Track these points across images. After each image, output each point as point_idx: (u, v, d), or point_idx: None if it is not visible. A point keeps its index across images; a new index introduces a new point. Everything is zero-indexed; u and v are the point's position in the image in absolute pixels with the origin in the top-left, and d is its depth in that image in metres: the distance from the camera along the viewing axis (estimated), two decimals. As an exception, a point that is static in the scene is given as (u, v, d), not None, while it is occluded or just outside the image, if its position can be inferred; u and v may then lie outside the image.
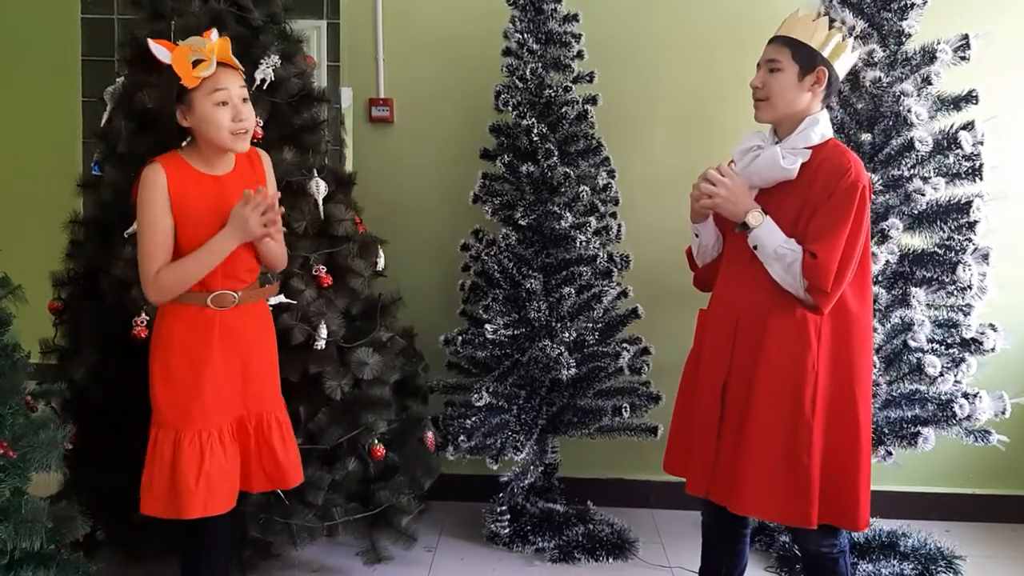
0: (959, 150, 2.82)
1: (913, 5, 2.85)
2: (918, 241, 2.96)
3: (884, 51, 2.88)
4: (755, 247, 2.13)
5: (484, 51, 3.25)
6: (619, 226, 3.20)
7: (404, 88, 3.50)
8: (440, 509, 3.38)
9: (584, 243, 3.05)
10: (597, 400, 3.18)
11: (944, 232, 2.88)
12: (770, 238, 2.11)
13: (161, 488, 2.14)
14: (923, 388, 2.90)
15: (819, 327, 2.09)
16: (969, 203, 2.83)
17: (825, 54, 2.12)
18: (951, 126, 2.85)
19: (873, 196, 2.88)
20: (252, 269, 2.29)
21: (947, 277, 2.84)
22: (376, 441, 2.74)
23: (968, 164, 2.84)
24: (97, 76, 3.28)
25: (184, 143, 2.21)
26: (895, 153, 2.86)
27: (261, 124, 2.61)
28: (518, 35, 3.06)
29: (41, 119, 3.59)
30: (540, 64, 3.07)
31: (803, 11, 2.17)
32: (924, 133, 2.80)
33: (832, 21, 2.15)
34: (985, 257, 2.85)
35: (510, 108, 3.07)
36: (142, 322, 2.48)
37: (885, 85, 2.88)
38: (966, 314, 2.92)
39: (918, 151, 2.79)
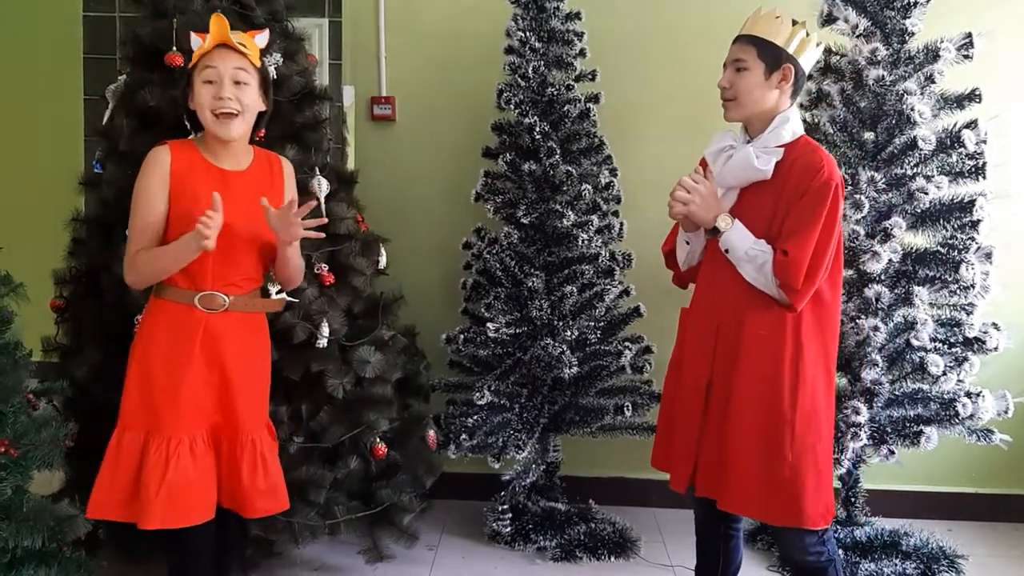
0: (962, 149, 2.82)
1: (916, 3, 2.84)
2: (921, 240, 2.96)
3: (887, 49, 2.88)
4: (726, 250, 2.14)
5: (486, 49, 3.25)
6: (621, 224, 3.20)
7: (406, 86, 3.50)
8: (442, 508, 3.38)
9: (586, 241, 3.05)
10: (599, 399, 3.18)
11: (947, 231, 2.88)
12: (740, 241, 2.12)
13: (121, 491, 2.03)
14: (926, 387, 2.90)
15: (796, 323, 2.09)
16: (972, 202, 2.82)
17: (790, 50, 2.12)
18: (954, 124, 2.85)
19: (876, 195, 2.88)
20: (251, 278, 2.20)
21: (950, 276, 2.84)
22: (378, 439, 2.75)
23: (971, 163, 2.84)
24: (99, 74, 3.28)
25: (200, 133, 2.19)
26: (898, 152, 2.85)
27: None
28: (520, 33, 3.06)
29: (43, 117, 3.58)
30: (542, 62, 3.07)
31: (765, 9, 2.18)
32: (927, 131, 2.80)
33: (795, 21, 2.15)
34: (988, 256, 2.84)
35: (512, 106, 3.07)
36: (143, 320, 2.48)
37: (888, 83, 2.87)
38: (969, 313, 2.92)
39: (921, 149, 2.79)
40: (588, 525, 3.23)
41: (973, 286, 2.84)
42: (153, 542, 2.62)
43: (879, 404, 2.89)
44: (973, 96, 2.88)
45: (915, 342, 2.82)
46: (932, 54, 2.85)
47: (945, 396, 2.86)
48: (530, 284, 3.02)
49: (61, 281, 2.79)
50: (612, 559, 3.11)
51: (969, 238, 2.84)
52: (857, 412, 2.81)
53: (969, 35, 2.83)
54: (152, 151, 2.10)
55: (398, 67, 3.50)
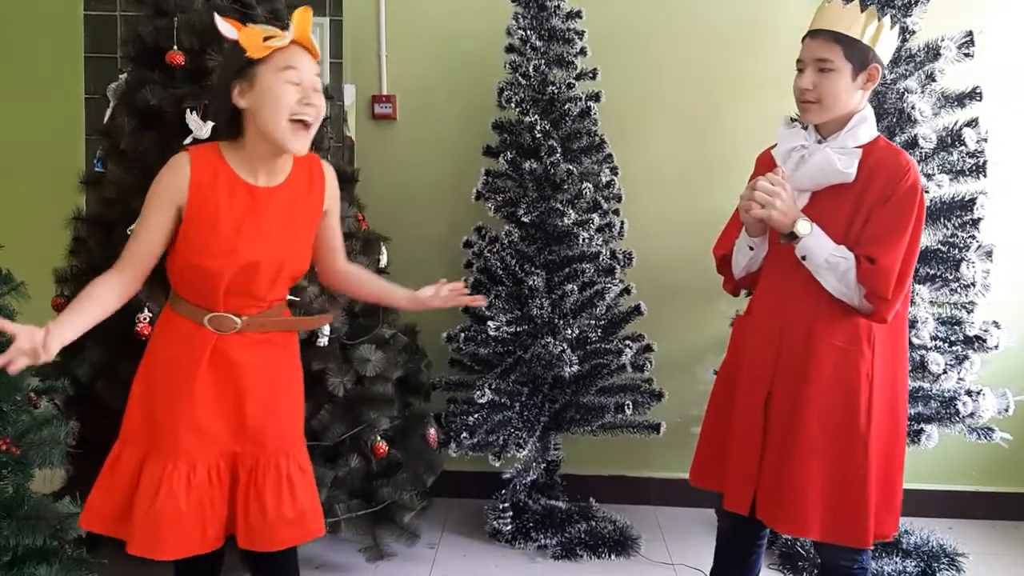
0: (963, 147, 2.82)
1: (917, 1, 2.84)
2: (922, 238, 2.95)
3: (888, 48, 2.87)
4: (803, 257, 1.98)
5: (487, 48, 3.24)
6: (622, 223, 3.19)
7: (407, 85, 3.50)
8: (442, 506, 3.38)
9: (587, 240, 3.05)
10: (599, 397, 3.18)
11: (947, 229, 2.88)
12: (820, 247, 1.96)
13: (114, 506, 1.87)
14: (926, 385, 2.90)
15: (870, 333, 1.98)
16: (973, 200, 2.82)
17: (877, 49, 1.96)
18: (955, 123, 2.85)
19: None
20: (273, 299, 1.94)
21: (951, 274, 2.84)
22: (379, 438, 2.75)
23: (972, 161, 2.84)
24: (100, 73, 3.28)
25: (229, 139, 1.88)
26: (899, 150, 2.85)
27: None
28: (521, 32, 3.06)
29: (43, 116, 3.58)
30: (543, 61, 3.07)
31: (837, 1, 1.99)
32: (928, 130, 2.80)
33: (864, 5, 1.96)
34: (989, 254, 2.84)
35: (513, 105, 3.07)
36: (145, 319, 2.48)
37: (889, 82, 2.87)
38: (969, 311, 2.92)
39: (922, 148, 2.79)
40: (589, 523, 3.23)
41: (974, 284, 2.84)
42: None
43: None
44: (974, 94, 2.87)
45: (916, 340, 2.82)
46: (933, 52, 2.84)
47: (946, 394, 2.86)
48: (531, 282, 3.02)
49: (62, 279, 2.80)
50: (613, 557, 3.11)
51: (970, 236, 2.84)
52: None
53: (970, 33, 2.82)
54: (172, 161, 1.84)
55: (399, 66, 3.49)
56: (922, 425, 2.84)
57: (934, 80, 2.86)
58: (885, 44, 2.00)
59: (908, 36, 2.88)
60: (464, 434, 3.02)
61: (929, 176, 2.81)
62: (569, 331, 3.04)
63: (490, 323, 3.01)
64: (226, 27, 1.80)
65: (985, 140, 2.82)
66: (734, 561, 2.31)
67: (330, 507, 2.69)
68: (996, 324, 2.89)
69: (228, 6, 2.63)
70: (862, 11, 1.95)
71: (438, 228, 3.49)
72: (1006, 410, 2.88)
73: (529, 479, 3.26)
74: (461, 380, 3.24)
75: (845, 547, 2.01)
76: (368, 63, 3.49)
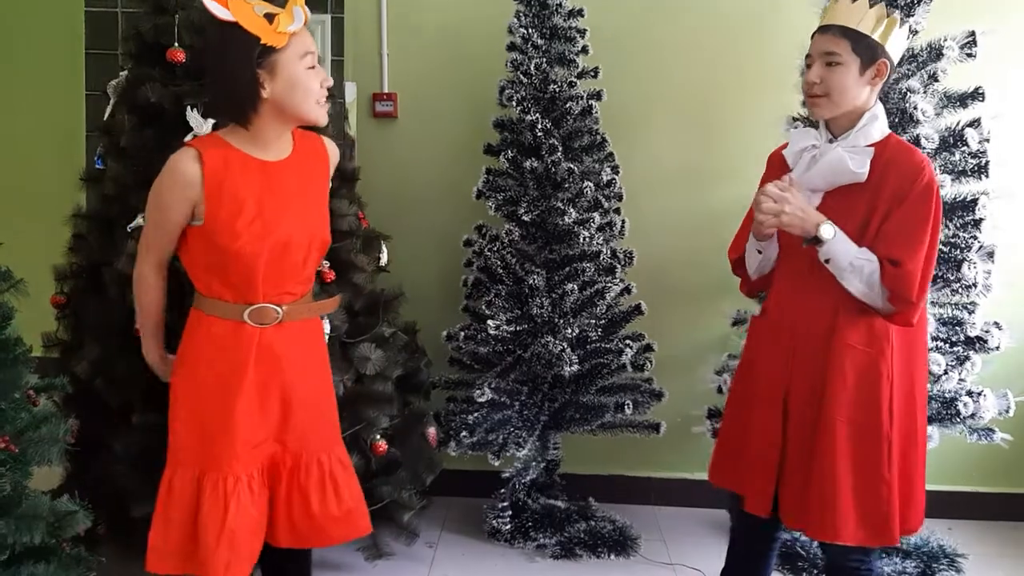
0: (965, 147, 2.81)
1: (920, 1, 2.83)
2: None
3: (890, 47, 2.87)
4: (827, 261, 1.96)
5: (488, 46, 3.24)
6: (622, 222, 3.19)
7: (408, 83, 3.50)
8: (442, 505, 3.38)
9: (587, 239, 3.05)
10: (599, 396, 3.17)
11: (949, 229, 2.87)
12: (844, 251, 1.94)
13: (177, 540, 1.81)
14: (927, 386, 2.89)
15: (887, 332, 1.97)
16: (975, 200, 2.82)
17: (884, 42, 1.96)
18: (957, 123, 2.84)
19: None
20: (306, 280, 1.94)
21: (952, 275, 2.83)
22: (378, 436, 2.74)
23: (974, 161, 2.83)
24: (100, 70, 3.27)
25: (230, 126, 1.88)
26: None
27: None
28: (523, 30, 3.05)
29: (44, 112, 3.58)
30: (544, 59, 3.06)
31: None
32: (930, 130, 2.79)
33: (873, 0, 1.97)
34: (990, 255, 2.84)
35: (514, 103, 3.06)
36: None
37: (891, 82, 2.85)
38: (971, 312, 2.92)
39: (924, 148, 2.78)
40: (588, 523, 3.23)
41: (975, 285, 2.83)
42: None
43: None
44: (976, 95, 2.87)
45: (917, 341, 2.82)
46: (935, 52, 2.84)
47: (946, 395, 2.86)
48: (531, 281, 3.02)
49: (62, 277, 2.79)
50: (612, 557, 3.11)
51: (971, 237, 2.84)
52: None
53: (972, 33, 2.82)
54: (176, 158, 1.81)
55: (400, 64, 3.49)
56: (923, 426, 2.84)
57: (936, 80, 2.85)
58: (895, 41, 1.99)
59: (911, 36, 2.88)
60: (464, 433, 3.02)
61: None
62: (569, 330, 3.04)
63: (490, 322, 3.01)
64: (217, 8, 1.74)
65: (987, 140, 2.82)
66: (748, 562, 2.28)
67: (329, 505, 2.69)
68: (997, 325, 2.88)
69: (228, 3, 2.62)
70: (871, 7, 1.95)
71: (439, 226, 3.49)
72: (1007, 411, 2.88)
73: (528, 478, 3.25)
74: (461, 379, 3.24)
75: (854, 546, 2.00)
76: (369, 61, 3.48)
